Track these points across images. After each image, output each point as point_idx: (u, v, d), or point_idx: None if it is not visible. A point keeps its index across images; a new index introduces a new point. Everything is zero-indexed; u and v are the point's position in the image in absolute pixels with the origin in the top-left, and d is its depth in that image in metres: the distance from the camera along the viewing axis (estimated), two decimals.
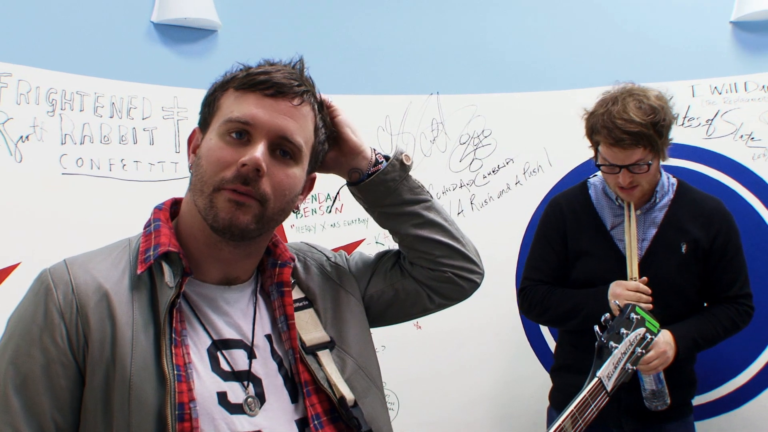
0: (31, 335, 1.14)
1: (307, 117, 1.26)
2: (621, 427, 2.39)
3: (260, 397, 1.22)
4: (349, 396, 1.30)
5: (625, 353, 1.92)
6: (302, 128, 1.24)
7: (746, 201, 2.97)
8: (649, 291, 2.28)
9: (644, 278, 2.31)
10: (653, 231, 2.40)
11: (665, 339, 2.27)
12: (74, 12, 2.55)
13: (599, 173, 2.48)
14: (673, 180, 2.47)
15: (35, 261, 2.25)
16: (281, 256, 1.34)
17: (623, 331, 1.95)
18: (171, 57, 2.63)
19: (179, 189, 2.57)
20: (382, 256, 1.56)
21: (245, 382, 1.22)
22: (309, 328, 1.35)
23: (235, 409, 1.19)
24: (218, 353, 1.22)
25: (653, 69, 3.07)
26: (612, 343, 1.91)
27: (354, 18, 3.09)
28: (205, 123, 1.27)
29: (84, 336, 1.14)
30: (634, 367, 1.94)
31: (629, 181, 2.28)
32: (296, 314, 1.34)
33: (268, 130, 1.20)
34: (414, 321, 2.98)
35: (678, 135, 2.99)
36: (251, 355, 1.25)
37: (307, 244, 1.54)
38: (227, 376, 1.21)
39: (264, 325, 1.30)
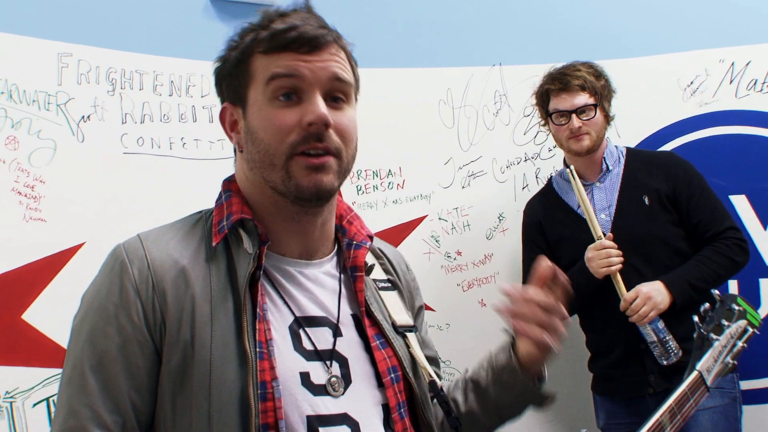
0: (107, 313, 1.11)
1: (345, 59, 1.20)
2: (652, 387, 2.43)
3: (346, 379, 1.17)
4: (438, 381, 1.26)
5: (725, 346, 1.83)
6: (345, 69, 1.19)
7: None
8: (615, 245, 2.43)
9: (609, 234, 2.47)
10: (615, 195, 2.57)
11: (651, 286, 2.39)
12: None
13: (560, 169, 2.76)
14: (622, 148, 2.68)
15: (99, 240, 2.25)
16: (357, 234, 1.29)
17: (724, 322, 1.87)
18: (228, 33, 2.58)
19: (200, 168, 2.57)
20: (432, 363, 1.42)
21: (327, 362, 1.16)
22: (396, 309, 1.31)
23: (319, 390, 1.14)
24: (301, 331, 1.17)
25: (728, 32, 2.93)
26: (713, 335, 1.84)
27: None
28: (237, 96, 1.20)
29: (161, 314, 1.11)
30: (735, 362, 1.86)
31: (578, 126, 2.51)
32: (383, 294, 1.30)
33: (317, 77, 1.15)
34: (479, 297, 2.96)
35: (756, 102, 2.91)
36: (336, 334, 1.20)
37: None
38: (310, 356, 1.16)
39: (350, 304, 1.25)
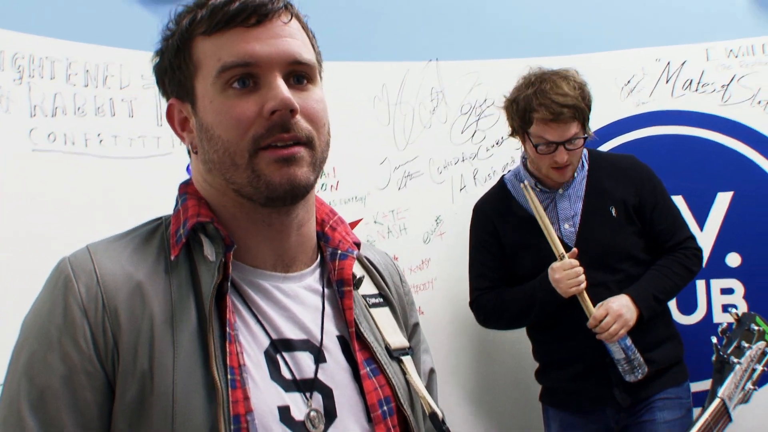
0: (49, 339, 0.94)
1: (300, 30, 1.05)
2: (617, 403, 2.35)
3: (329, 413, 1.00)
4: (439, 413, 1.09)
5: (746, 370, 1.74)
6: (304, 44, 1.04)
7: (765, 171, 2.83)
8: (578, 263, 2.32)
9: (573, 251, 2.36)
10: (580, 204, 2.45)
11: (620, 302, 2.32)
12: None
13: (513, 168, 2.63)
14: (584, 151, 2.49)
15: (5, 247, 2.00)
16: (342, 242, 1.11)
17: (744, 344, 1.78)
18: (151, 19, 2.37)
19: (162, 166, 2.39)
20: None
21: (308, 393, 1.00)
22: (389, 329, 1.13)
23: (299, 427, 0.97)
24: (278, 356, 1.00)
25: (664, 32, 2.91)
26: (733, 358, 1.75)
27: None
28: (183, 89, 1.03)
29: (113, 337, 0.94)
30: (757, 387, 1.78)
31: (566, 159, 2.33)
32: (374, 311, 1.13)
33: (275, 61, 0.98)
34: (417, 305, 2.80)
35: (691, 102, 2.88)
36: (319, 359, 1.03)
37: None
38: (289, 386, 0.99)
39: (336, 324, 1.08)
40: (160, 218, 1.08)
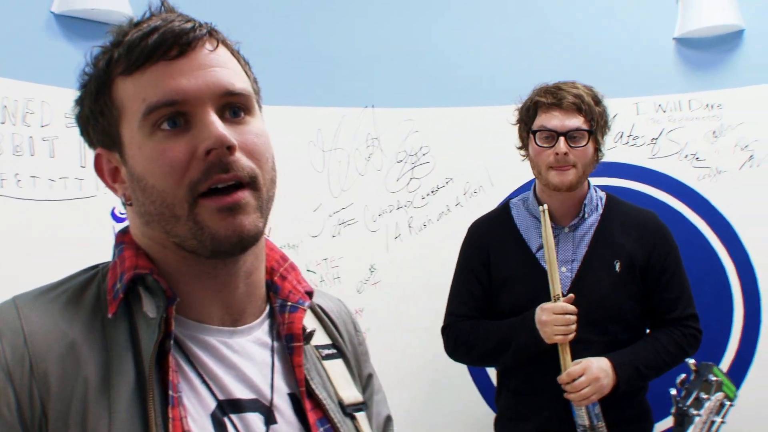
0: None
1: (230, 57, 0.95)
2: None
3: None
4: None
5: (705, 422, 1.70)
6: (236, 72, 0.94)
7: (692, 223, 2.89)
8: (575, 310, 2.10)
9: (570, 296, 2.13)
10: (584, 250, 2.24)
11: (600, 365, 2.11)
12: None
13: (522, 195, 2.39)
14: (602, 194, 2.34)
15: None
16: (292, 293, 1.02)
17: (703, 396, 1.74)
18: (75, 54, 2.23)
19: (85, 209, 2.25)
20: None
21: None
22: (343, 383, 1.05)
23: None
24: (225, 419, 0.90)
25: (597, 85, 2.93)
26: (692, 410, 1.70)
27: (282, 22, 2.82)
28: (108, 138, 0.94)
29: (41, 403, 0.82)
30: None
31: (565, 152, 2.14)
32: (326, 364, 1.04)
33: (204, 94, 0.89)
34: None
35: (622, 154, 2.92)
36: (270, 421, 0.94)
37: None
38: None
39: (287, 381, 0.99)
40: (97, 267, 0.97)
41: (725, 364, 2.86)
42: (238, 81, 0.93)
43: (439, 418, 2.84)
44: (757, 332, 2.85)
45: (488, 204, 2.89)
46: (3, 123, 2.13)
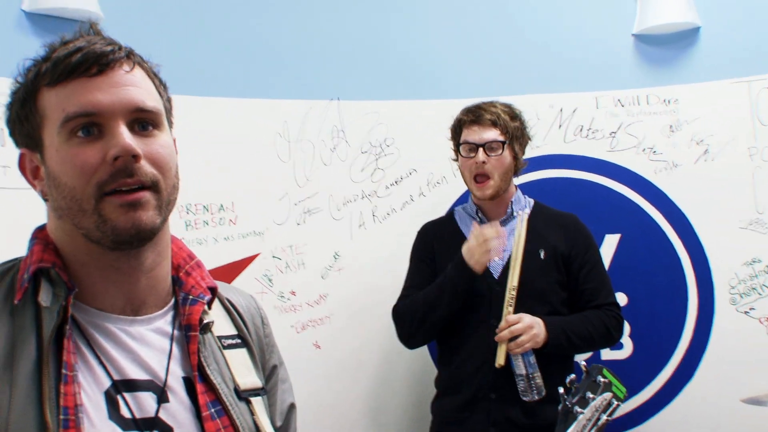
0: None
1: (144, 78, 1.08)
2: None
3: None
4: None
5: (590, 419, 1.82)
6: (148, 92, 1.06)
7: (649, 215, 2.97)
8: (495, 234, 2.40)
9: (495, 222, 2.49)
10: (513, 240, 2.50)
11: (534, 319, 2.38)
12: None
13: (462, 204, 2.73)
14: (530, 199, 2.66)
15: None
16: (194, 288, 1.14)
17: (589, 395, 1.86)
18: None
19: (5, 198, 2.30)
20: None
21: None
22: (242, 370, 1.16)
23: None
24: (118, 396, 1.02)
25: (557, 79, 3.05)
26: (577, 408, 1.83)
27: (249, 16, 2.90)
28: (31, 140, 1.06)
29: None
30: None
31: (483, 161, 2.47)
32: (227, 353, 1.16)
33: (117, 109, 1.02)
34: (314, 340, 2.85)
35: (582, 147, 3.01)
36: (162, 399, 1.05)
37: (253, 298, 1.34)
38: (128, 425, 1.00)
39: (183, 366, 1.10)
40: (16, 259, 1.09)
41: (679, 353, 2.94)
42: (149, 99, 1.05)
43: (399, 402, 2.95)
44: (710, 323, 2.93)
45: (451, 194, 3.00)
46: None
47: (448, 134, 2.65)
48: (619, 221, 2.98)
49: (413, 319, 2.53)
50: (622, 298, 2.93)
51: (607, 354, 2.93)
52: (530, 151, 2.97)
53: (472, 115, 2.53)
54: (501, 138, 2.50)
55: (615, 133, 3.00)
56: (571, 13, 3.10)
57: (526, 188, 2.93)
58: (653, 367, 2.96)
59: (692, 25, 2.98)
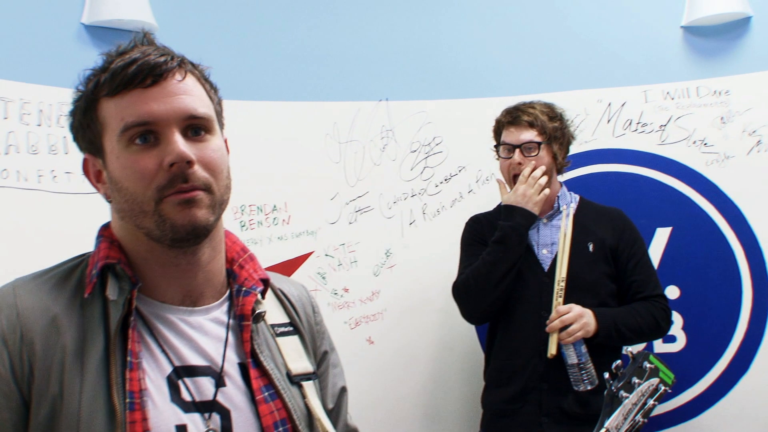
0: None
1: (196, 85, 1.15)
2: (543, 430, 2.43)
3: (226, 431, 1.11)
4: None
5: (636, 404, 1.85)
6: (200, 98, 1.14)
7: (700, 207, 2.95)
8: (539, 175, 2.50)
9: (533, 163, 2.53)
10: (559, 235, 2.54)
11: (585, 310, 2.40)
12: None
13: None
14: (576, 195, 2.68)
15: None
16: (247, 280, 1.22)
17: (635, 380, 1.89)
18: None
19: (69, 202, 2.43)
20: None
21: (207, 414, 1.10)
22: (294, 356, 1.24)
23: None
24: (179, 381, 1.10)
25: (605, 74, 3.04)
26: (623, 393, 1.86)
27: (299, 21, 2.98)
28: (93, 146, 1.14)
29: (29, 364, 1.04)
30: (645, 420, 1.88)
31: (518, 162, 2.53)
32: (280, 340, 1.24)
33: (171, 118, 1.09)
34: (367, 335, 2.91)
35: (631, 141, 3.00)
36: (219, 384, 1.13)
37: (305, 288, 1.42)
38: (188, 407, 1.09)
39: (238, 352, 1.18)
40: (83, 255, 1.18)
41: (734, 346, 2.92)
42: (200, 106, 1.12)
43: (451, 396, 2.99)
44: (765, 315, 2.89)
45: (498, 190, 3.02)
46: (39, 125, 2.35)
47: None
48: (671, 214, 2.97)
49: (477, 284, 2.52)
50: (674, 291, 2.92)
51: (660, 347, 2.92)
52: (579, 147, 3.00)
53: (510, 117, 2.58)
54: (538, 139, 2.53)
55: (665, 126, 2.98)
56: (619, 8, 3.08)
57: (575, 183, 2.96)
58: (707, 359, 2.94)
59: (743, 14, 2.93)
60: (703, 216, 2.95)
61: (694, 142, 2.96)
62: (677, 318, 2.91)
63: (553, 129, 2.56)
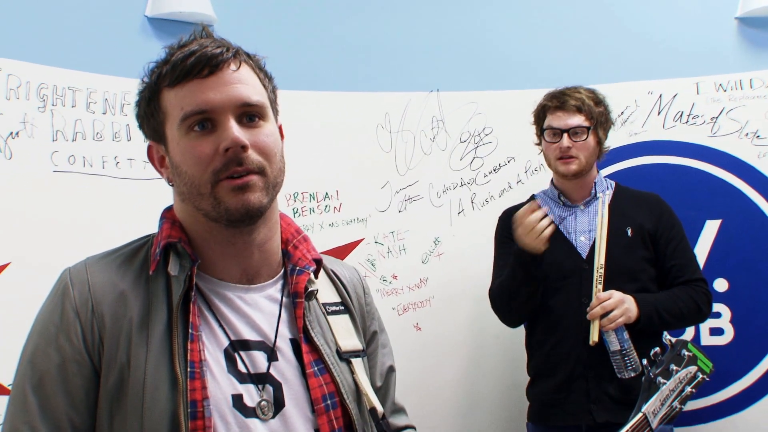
0: (49, 334, 1.14)
1: (250, 74, 1.22)
2: (592, 418, 2.43)
3: (278, 403, 1.18)
4: (379, 408, 1.27)
5: (673, 390, 1.88)
6: (254, 87, 1.21)
7: (751, 200, 2.93)
8: (539, 217, 2.38)
9: (535, 201, 2.49)
10: (597, 221, 2.53)
11: (625, 296, 2.40)
12: (66, 5, 2.49)
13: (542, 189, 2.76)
14: (611, 181, 2.69)
15: (26, 261, 2.19)
16: (301, 260, 1.29)
17: (673, 367, 1.92)
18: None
19: (131, 187, 2.53)
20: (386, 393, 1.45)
21: (260, 386, 1.18)
22: (344, 333, 1.31)
23: (250, 412, 1.15)
24: (236, 354, 1.18)
25: (657, 66, 3.04)
26: (660, 379, 1.90)
27: (352, 13, 3.04)
28: (156, 134, 1.23)
29: (99, 335, 1.14)
30: (682, 406, 1.91)
31: (567, 146, 2.51)
32: (331, 318, 1.31)
33: (227, 106, 1.16)
34: (415, 321, 2.97)
35: (682, 133, 2.99)
36: (272, 358, 1.21)
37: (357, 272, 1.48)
38: (244, 378, 1.17)
39: (290, 328, 1.25)
40: (148, 236, 1.27)
41: None
42: (254, 94, 1.20)
43: (494, 384, 3.03)
44: None
45: (548, 181, 3.03)
46: (104, 113, 2.46)
47: None
48: (720, 207, 2.96)
49: (503, 305, 2.60)
50: (722, 284, 2.92)
51: (707, 339, 2.93)
52: (629, 138, 3.01)
53: (557, 101, 2.58)
54: (586, 123, 2.53)
55: (716, 118, 2.97)
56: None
57: (624, 175, 2.97)
58: (755, 353, 2.93)
59: None
60: (754, 209, 2.94)
61: (746, 135, 2.94)
62: (725, 311, 2.91)
63: (599, 114, 2.57)
